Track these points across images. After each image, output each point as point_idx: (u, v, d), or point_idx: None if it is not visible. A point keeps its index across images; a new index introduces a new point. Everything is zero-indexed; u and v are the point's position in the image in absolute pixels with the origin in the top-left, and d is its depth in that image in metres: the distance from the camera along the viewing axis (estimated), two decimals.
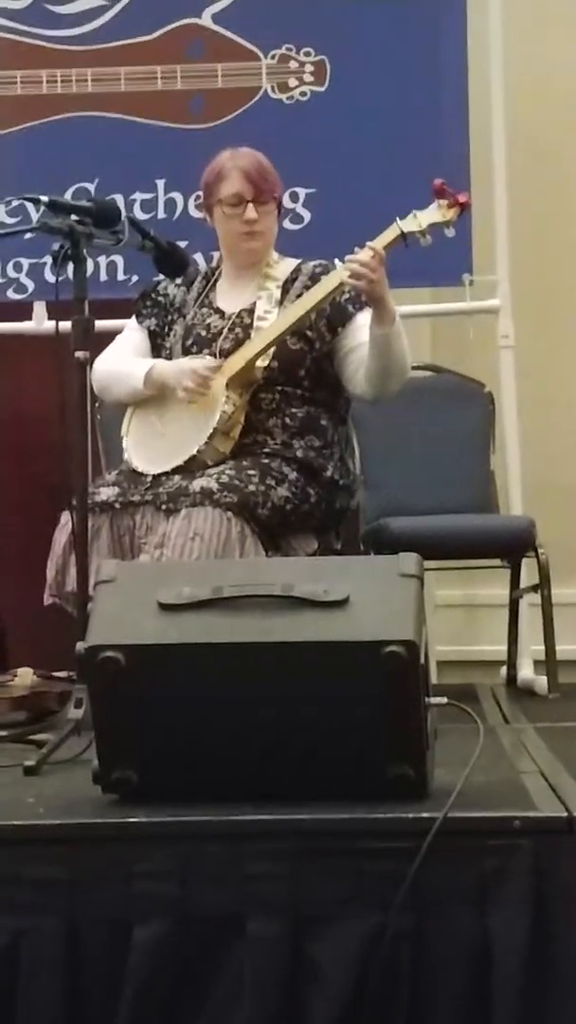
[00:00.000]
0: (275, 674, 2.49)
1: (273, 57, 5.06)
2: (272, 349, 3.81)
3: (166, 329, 4.00)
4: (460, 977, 2.36)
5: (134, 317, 4.05)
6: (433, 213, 3.80)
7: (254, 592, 2.54)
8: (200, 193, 4.02)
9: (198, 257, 4.32)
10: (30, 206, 4.75)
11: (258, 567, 3.04)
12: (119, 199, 4.69)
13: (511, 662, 4.91)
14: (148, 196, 5.05)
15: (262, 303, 3.90)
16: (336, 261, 3.87)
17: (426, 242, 3.80)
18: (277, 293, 3.92)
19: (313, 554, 3.80)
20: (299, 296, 3.87)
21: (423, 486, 4.81)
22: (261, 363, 3.81)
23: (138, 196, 5.04)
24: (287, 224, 4.74)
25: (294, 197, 4.95)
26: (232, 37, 5.08)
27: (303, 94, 5.06)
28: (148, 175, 5.05)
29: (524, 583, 4.81)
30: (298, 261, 3.98)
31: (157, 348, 4.00)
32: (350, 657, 2.47)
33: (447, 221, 3.81)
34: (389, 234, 3.76)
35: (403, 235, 3.76)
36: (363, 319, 3.82)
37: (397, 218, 3.78)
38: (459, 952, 2.37)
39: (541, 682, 4.65)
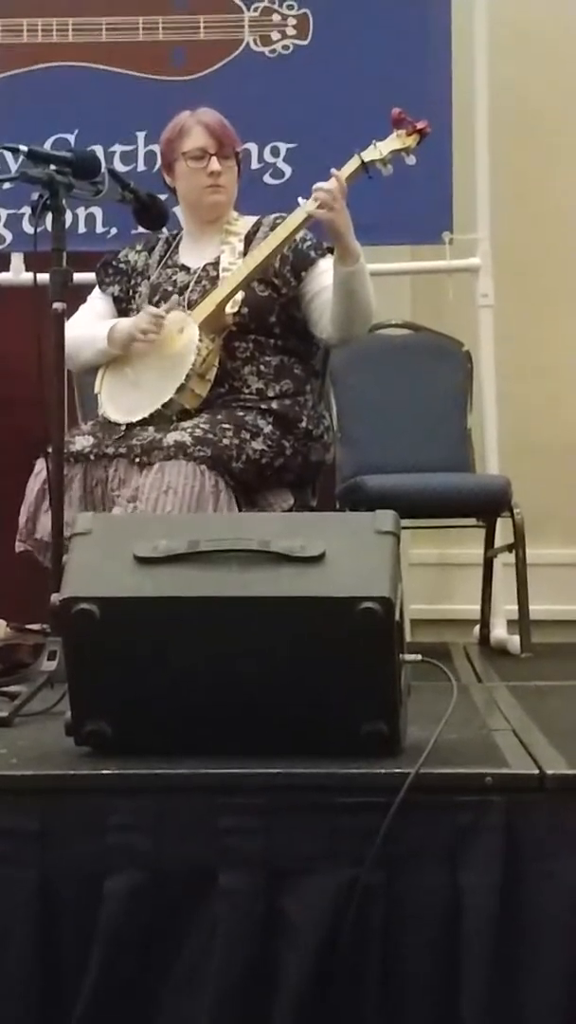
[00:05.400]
0: (250, 629, 2.49)
1: (256, 10, 5.02)
2: (240, 295, 3.80)
3: (130, 293, 4.01)
4: (431, 932, 2.37)
5: (96, 287, 4.06)
6: (392, 141, 3.86)
7: (231, 547, 2.54)
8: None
9: (177, 211, 4.29)
10: (9, 156, 4.71)
11: (235, 522, 3.04)
12: (99, 150, 4.67)
13: (484, 621, 4.92)
14: (128, 148, 5.02)
15: (226, 256, 3.92)
16: (299, 199, 3.87)
17: (387, 171, 3.84)
18: (240, 246, 3.93)
19: (289, 510, 3.79)
20: None
21: (400, 444, 4.81)
22: (231, 309, 3.81)
23: (118, 148, 5.01)
24: (267, 179, 4.72)
25: (275, 152, 4.92)
26: None
27: (285, 48, 5.03)
28: (129, 127, 5.01)
29: (499, 543, 4.82)
30: (257, 217, 3.98)
31: (123, 312, 4.00)
32: (326, 613, 2.47)
33: (407, 148, 3.86)
34: (351, 165, 3.80)
35: (364, 164, 3.77)
36: (325, 265, 3.85)
37: (356, 149, 3.77)
38: (430, 907, 2.38)
39: (514, 641, 4.66)
